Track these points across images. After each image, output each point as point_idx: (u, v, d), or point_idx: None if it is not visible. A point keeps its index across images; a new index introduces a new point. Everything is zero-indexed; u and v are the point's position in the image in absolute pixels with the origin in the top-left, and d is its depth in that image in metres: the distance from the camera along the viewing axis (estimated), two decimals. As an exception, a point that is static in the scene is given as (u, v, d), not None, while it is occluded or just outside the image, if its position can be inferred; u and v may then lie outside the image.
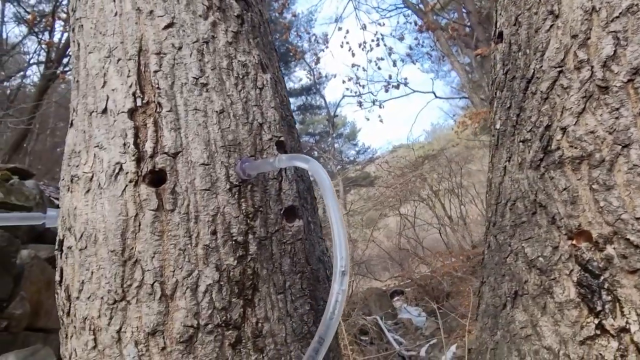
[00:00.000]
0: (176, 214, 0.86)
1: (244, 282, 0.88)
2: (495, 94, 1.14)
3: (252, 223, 0.92)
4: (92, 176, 0.90)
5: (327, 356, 1.02)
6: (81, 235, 0.88)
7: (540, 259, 0.87)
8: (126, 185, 0.87)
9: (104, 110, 0.94)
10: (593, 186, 0.82)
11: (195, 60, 0.98)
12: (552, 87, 0.92)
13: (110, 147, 0.90)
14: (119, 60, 0.97)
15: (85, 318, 0.85)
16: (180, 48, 0.98)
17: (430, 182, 16.98)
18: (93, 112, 0.95)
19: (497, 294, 0.98)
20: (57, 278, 0.92)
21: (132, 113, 0.92)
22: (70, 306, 0.88)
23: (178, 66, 0.96)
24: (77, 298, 0.86)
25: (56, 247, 0.95)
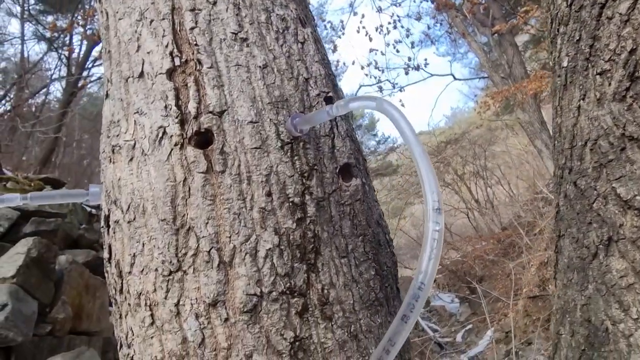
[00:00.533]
0: (227, 176, 0.79)
1: (305, 245, 0.80)
2: (558, 31, 1.03)
3: (308, 183, 0.84)
4: (135, 144, 0.84)
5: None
6: (128, 207, 0.82)
7: (638, 197, 0.77)
8: (171, 149, 0.80)
9: (141, 75, 0.88)
10: (700, 107, 0.71)
11: (232, 15, 0.91)
12: (634, 7, 0.81)
13: (150, 112, 0.84)
14: (151, 21, 0.91)
15: (140, 293, 0.79)
16: (215, 3, 0.91)
17: (455, 167, 16.69)
18: (129, 77, 0.89)
19: (582, 244, 0.88)
20: (106, 255, 0.87)
21: (170, 73, 0.85)
22: (122, 283, 0.82)
23: (215, 22, 0.89)
24: (130, 273, 0.80)
25: (102, 224, 0.89)
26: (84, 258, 4.82)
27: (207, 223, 0.77)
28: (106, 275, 0.88)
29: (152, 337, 0.77)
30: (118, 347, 0.87)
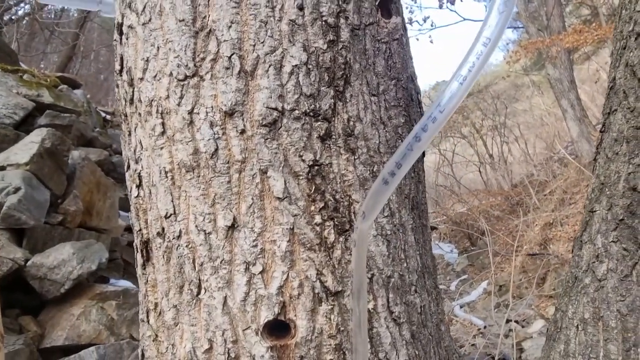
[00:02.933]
0: (256, -21, 0.70)
1: (335, 71, 0.72)
2: None
3: (345, 6, 0.75)
4: (155, -62, 0.74)
5: (417, 187, 0.88)
6: (144, 8, 0.74)
7: None
8: (196, -57, 0.71)
9: None
10: None
11: None
12: None
13: None
14: None
15: (152, 100, 0.72)
16: None
17: (473, 119, 16.30)
18: None
19: (638, 112, 0.79)
20: (117, 67, 0.80)
21: None
22: (133, 91, 0.76)
23: None
24: (142, 79, 0.74)
25: (115, 33, 0.82)
26: (96, 157, 4.85)
27: (230, 27, 0.69)
28: (116, 90, 0.82)
29: (161, 148, 0.72)
30: (125, 169, 0.82)
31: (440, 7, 8.60)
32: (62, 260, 3.39)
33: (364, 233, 0.57)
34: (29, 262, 3.25)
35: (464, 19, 13.28)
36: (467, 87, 0.46)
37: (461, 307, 7.42)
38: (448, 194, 14.58)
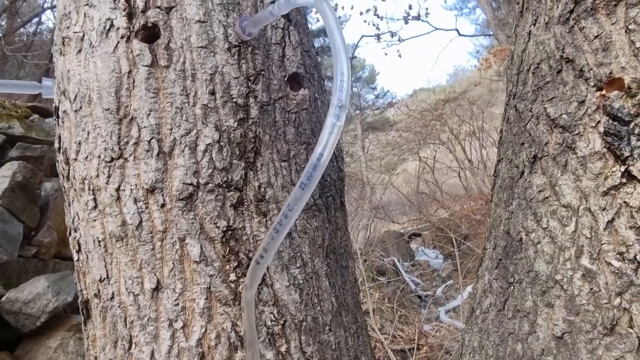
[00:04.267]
0: (171, 71, 0.81)
1: (245, 144, 0.84)
2: (522, -43, 1.02)
3: (254, 86, 0.86)
4: (83, 35, 0.85)
5: (335, 234, 0.99)
6: (75, 97, 0.84)
7: (564, 115, 0.80)
8: (118, 42, 0.82)
9: (93, -33, 0.87)
10: (630, 27, 0.73)
11: None
12: None
13: (100, 4, 0.84)
14: None
15: (84, 178, 0.83)
16: None
17: (451, 125, 16.62)
18: (81, -30, 0.89)
19: (514, 164, 0.92)
20: (56, 145, 0.90)
21: (121, -33, 0.85)
22: (69, 169, 0.86)
23: None
24: (75, 160, 0.84)
25: (53, 115, 0.92)
26: (70, 187, 4.88)
27: (149, 114, 0.80)
28: (57, 164, 0.92)
29: (94, 220, 0.82)
30: (67, 234, 0.92)
31: (406, 22, 8.84)
32: (37, 294, 3.42)
33: (249, 301, 0.68)
34: (3, 298, 3.27)
35: (436, 29, 13.63)
36: (309, 193, 0.58)
37: (447, 312, 7.54)
38: (430, 201, 14.78)
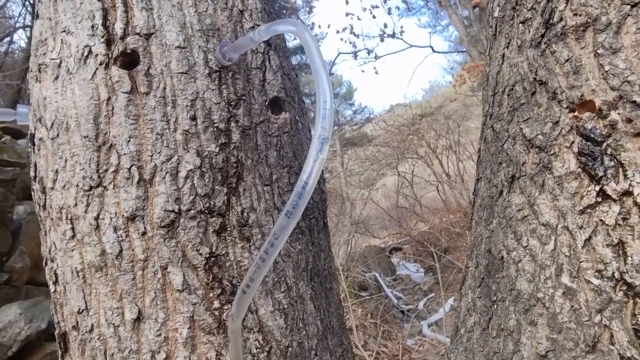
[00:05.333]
0: (152, 97, 0.80)
1: (228, 170, 0.83)
2: (494, -18, 1.06)
3: (235, 111, 0.86)
4: (60, 62, 0.84)
5: (318, 256, 0.99)
6: (52, 124, 0.83)
7: (540, 136, 0.83)
8: (96, 68, 0.81)
9: (70, -6, 0.86)
10: (598, 51, 0.76)
11: (167, -61, 0.90)
12: (555, -44, 0.85)
13: (78, 31, 0.84)
14: (83, -60, 0.89)
15: (62, 208, 0.81)
16: None
17: (428, 140, 16.89)
18: (58, -4, 0.88)
19: (492, 184, 0.94)
20: (32, 174, 0.88)
21: (99, -7, 0.84)
22: (45, 198, 0.84)
23: (148, -55, 0.88)
24: (52, 188, 0.82)
25: (28, 143, 0.90)
26: (44, 209, 4.74)
27: (129, 141, 0.78)
28: (32, 193, 0.89)
29: (72, 250, 0.80)
30: (44, 264, 0.89)
31: (382, 40, 9.02)
32: (9, 322, 3.29)
33: (236, 331, 0.67)
34: (-28, 328, 3.13)
35: (411, 46, 13.94)
36: (295, 221, 0.58)
37: (429, 325, 7.54)
38: (410, 214, 14.91)
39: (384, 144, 16.57)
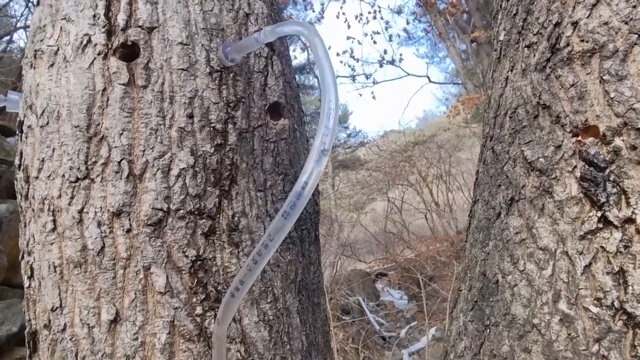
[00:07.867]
0: (149, 92, 0.78)
1: (221, 171, 0.81)
2: (501, 6, 1.07)
3: (233, 113, 0.84)
4: (58, 49, 0.81)
5: (308, 268, 0.96)
6: (43, 112, 0.80)
7: (541, 159, 0.81)
8: (94, 58, 0.78)
9: (74, -18, 0.85)
10: (604, 77, 0.76)
11: (178, -63, 0.89)
12: (563, -18, 0.85)
13: (78, 19, 0.82)
14: None
15: (45, 198, 0.77)
16: None
17: (419, 168, 17.01)
18: (62, -16, 0.86)
19: (490, 206, 0.93)
20: (17, 162, 0.84)
21: (104, -16, 0.83)
22: (28, 188, 0.80)
23: (158, -60, 0.87)
24: (37, 178, 0.79)
25: (17, 131, 0.87)
26: (27, 209, 4.64)
27: (121, 134, 0.76)
28: (15, 182, 0.86)
29: (52, 243, 0.76)
30: (20, 258, 0.85)
31: (381, 65, 9.17)
32: (-22, 323, 3.16)
33: (221, 337, 0.64)
34: (-61, 327, 3.01)
35: (408, 74, 14.16)
36: (291, 222, 0.55)
37: (410, 354, 7.43)
38: (397, 240, 14.88)
39: (375, 169, 16.66)
